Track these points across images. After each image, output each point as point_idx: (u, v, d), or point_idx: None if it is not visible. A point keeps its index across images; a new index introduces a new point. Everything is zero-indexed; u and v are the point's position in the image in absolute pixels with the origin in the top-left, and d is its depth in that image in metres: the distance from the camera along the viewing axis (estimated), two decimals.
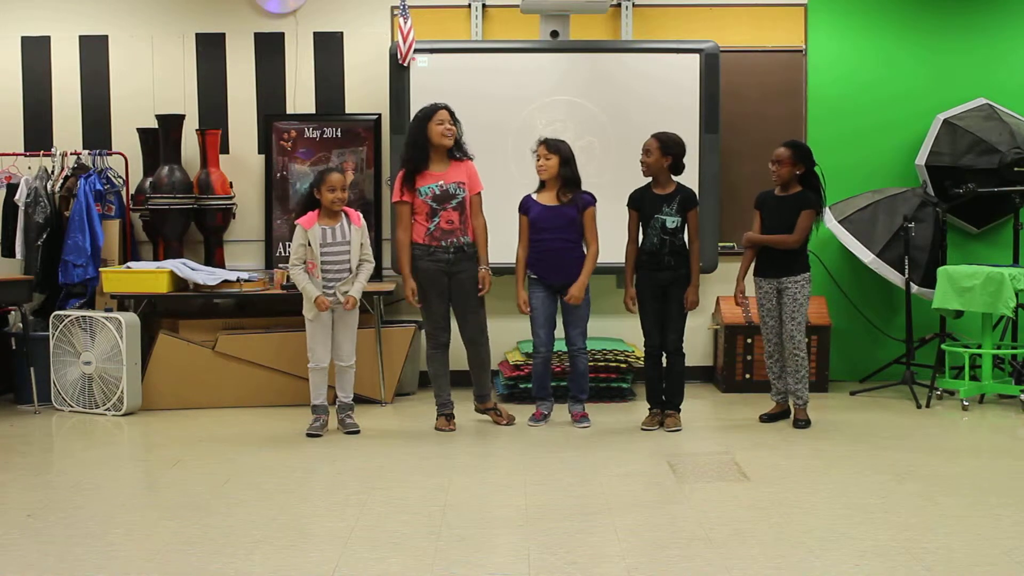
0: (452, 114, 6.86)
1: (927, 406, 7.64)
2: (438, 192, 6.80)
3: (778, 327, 7.05)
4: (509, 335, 8.38)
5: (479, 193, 6.93)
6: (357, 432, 6.90)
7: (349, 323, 6.94)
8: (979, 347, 7.84)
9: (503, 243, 7.34)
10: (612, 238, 7.26)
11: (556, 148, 6.96)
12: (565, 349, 7.25)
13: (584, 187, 7.12)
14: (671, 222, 6.85)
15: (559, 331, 7.14)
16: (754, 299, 7.22)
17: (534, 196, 7.08)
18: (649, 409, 7.12)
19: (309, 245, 6.80)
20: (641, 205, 6.95)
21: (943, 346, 8.02)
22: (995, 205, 8.30)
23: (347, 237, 6.86)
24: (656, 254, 6.89)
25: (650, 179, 6.95)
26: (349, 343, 6.95)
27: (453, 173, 6.85)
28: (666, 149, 6.88)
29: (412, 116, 6.93)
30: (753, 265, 7.14)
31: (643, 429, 7.00)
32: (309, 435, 6.83)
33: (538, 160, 6.98)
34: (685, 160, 6.96)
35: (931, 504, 5.26)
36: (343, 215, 6.87)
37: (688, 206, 6.90)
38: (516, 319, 8.24)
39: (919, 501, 5.32)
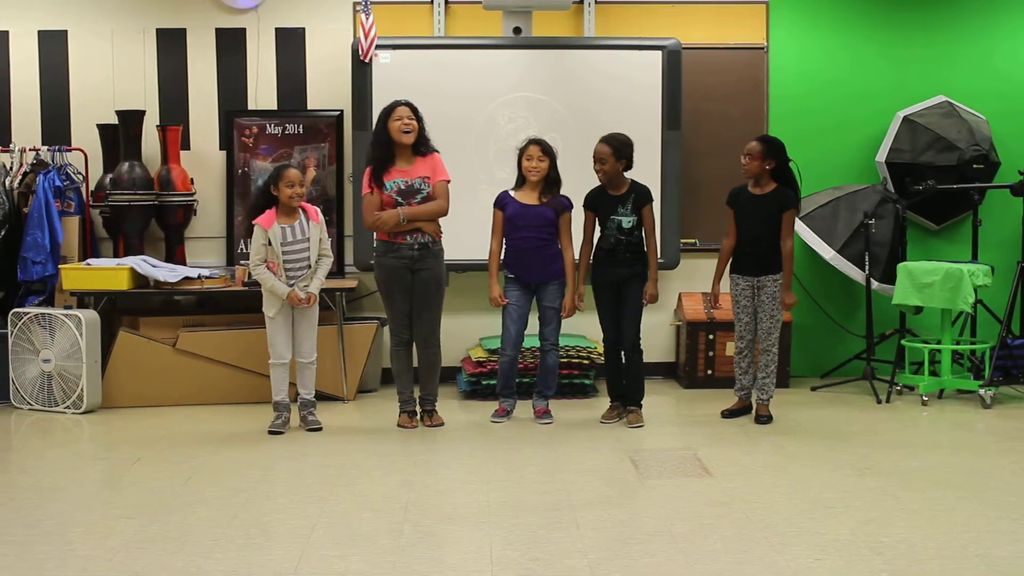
0: (415, 111, 6.84)
1: (887, 401, 7.69)
2: (403, 187, 6.78)
3: (752, 324, 7.07)
4: (472, 332, 8.38)
5: (444, 181, 6.87)
6: (319, 429, 6.89)
7: (309, 319, 6.92)
8: (938, 343, 7.90)
9: (466, 239, 7.36)
10: (576, 235, 7.27)
11: (550, 151, 6.98)
12: (532, 345, 7.25)
13: None
14: (627, 222, 6.89)
15: (529, 330, 7.15)
16: (726, 295, 7.24)
17: (512, 193, 7.07)
18: (610, 402, 7.14)
19: (269, 244, 6.77)
20: (597, 205, 6.98)
21: (903, 342, 8.08)
22: (954, 202, 8.37)
23: (306, 234, 6.83)
24: (613, 251, 6.92)
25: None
26: (310, 340, 6.93)
27: (418, 169, 6.83)
28: (619, 154, 6.92)
29: (376, 112, 6.91)
30: (730, 262, 7.15)
31: (602, 422, 7.03)
32: (271, 432, 6.80)
33: (530, 160, 6.96)
34: (646, 156, 7.00)
35: (891, 498, 5.30)
36: (301, 211, 6.84)
37: (642, 203, 6.92)
38: (478, 316, 8.27)
39: (879, 495, 5.36)
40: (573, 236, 7.07)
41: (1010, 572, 4.24)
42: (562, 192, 7.04)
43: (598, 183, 7.02)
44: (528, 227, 6.97)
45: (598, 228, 7.02)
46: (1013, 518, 4.95)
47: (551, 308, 7.03)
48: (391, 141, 6.79)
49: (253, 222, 6.83)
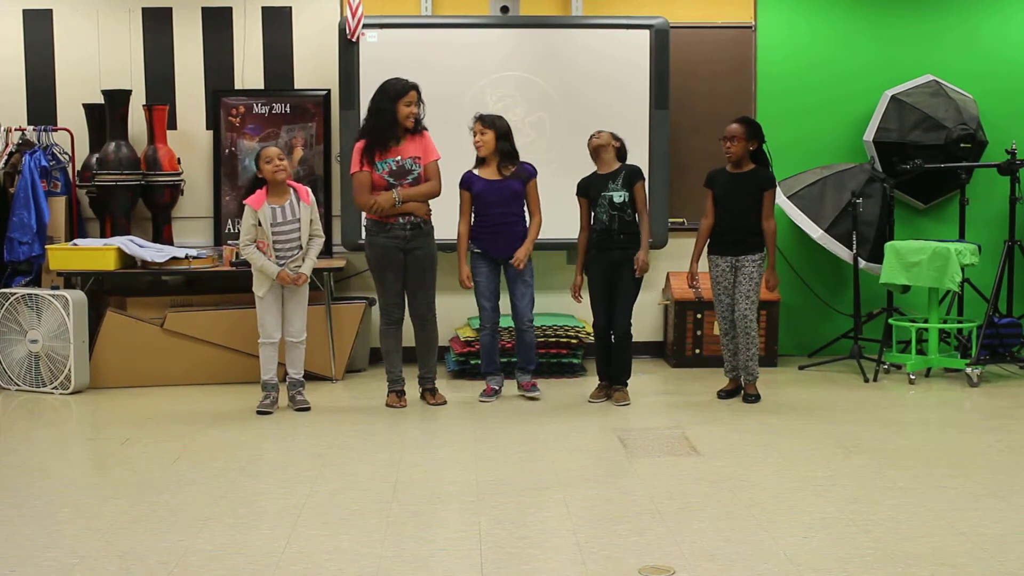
0: (420, 95, 6.81)
1: (874, 380, 7.71)
2: (395, 167, 6.77)
3: (733, 305, 7.04)
4: (459, 311, 8.37)
5: (435, 161, 6.87)
6: (308, 409, 6.88)
7: (299, 298, 6.91)
8: (926, 321, 7.92)
9: (454, 218, 7.34)
10: (561, 213, 7.28)
11: (492, 123, 7.00)
12: (510, 324, 7.27)
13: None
14: (618, 196, 6.89)
15: (504, 308, 7.16)
16: (706, 275, 7.24)
17: (476, 172, 7.08)
18: (599, 381, 7.15)
19: (260, 225, 6.75)
20: (588, 190, 6.99)
21: (890, 320, 8.10)
22: (941, 181, 8.37)
23: (296, 215, 6.82)
24: (606, 232, 6.93)
25: (596, 162, 6.97)
26: (300, 318, 6.93)
27: (409, 148, 6.80)
28: (616, 136, 7.00)
29: (378, 88, 6.79)
30: (708, 243, 7.14)
31: (590, 401, 7.04)
32: (259, 412, 6.80)
33: (474, 136, 6.99)
34: (634, 135, 7.03)
35: (878, 476, 5.32)
36: (292, 192, 6.83)
37: (633, 180, 6.94)
38: (466, 296, 8.24)
39: (866, 474, 5.38)
40: (563, 211, 7.05)
41: (996, 550, 4.26)
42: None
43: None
44: (499, 203, 6.99)
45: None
46: (1000, 496, 4.98)
47: (522, 282, 7.05)
48: (397, 123, 6.77)
49: (244, 202, 6.81)
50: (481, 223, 7.06)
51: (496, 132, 6.98)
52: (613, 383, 7.10)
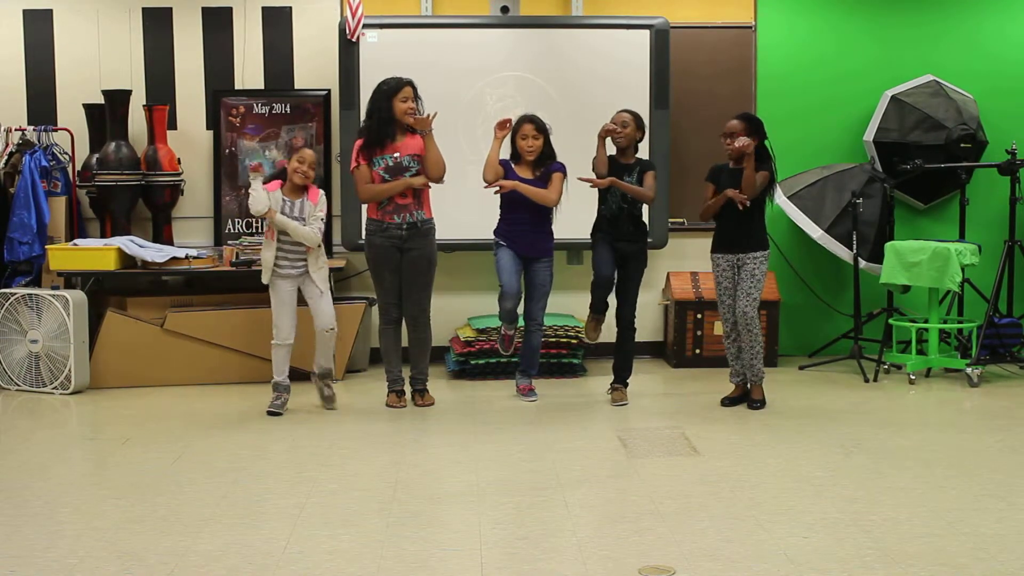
0: (415, 90, 6.83)
1: (875, 380, 7.71)
2: (391, 164, 6.77)
3: (736, 305, 6.98)
4: (460, 312, 8.38)
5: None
6: (333, 407, 6.92)
7: (321, 288, 6.84)
8: (926, 321, 7.92)
9: (454, 218, 7.34)
10: (560, 213, 7.24)
11: (544, 128, 6.97)
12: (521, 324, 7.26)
13: None
14: None
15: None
16: (709, 274, 7.21)
17: (512, 165, 7.04)
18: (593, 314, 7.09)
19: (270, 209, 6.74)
20: (608, 166, 6.92)
21: (890, 321, 8.10)
22: (942, 181, 8.38)
23: (303, 214, 6.80)
24: (616, 220, 6.92)
25: (618, 149, 6.96)
26: (327, 306, 6.86)
27: (408, 146, 6.81)
28: (640, 124, 6.99)
29: (374, 88, 6.83)
30: (711, 240, 7.10)
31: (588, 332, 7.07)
32: (270, 413, 6.78)
33: (524, 140, 6.93)
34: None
35: (878, 477, 5.32)
36: (305, 195, 6.82)
37: (645, 170, 6.94)
38: (467, 296, 8.28)
39: (866, 474, 5.38)
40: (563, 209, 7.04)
41: (997, 549, 4.26)
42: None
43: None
44: (525, 205, 6.93)
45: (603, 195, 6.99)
46: (999, 496, 4.98)
47: (541, 286, 7.04)
48: (394, 120, 6.77)
49: (265, 184, 6.75)
50: (508, 221, 7.01)
51: (545, 137, 6.98)
52: (613, 382, 7.10)
